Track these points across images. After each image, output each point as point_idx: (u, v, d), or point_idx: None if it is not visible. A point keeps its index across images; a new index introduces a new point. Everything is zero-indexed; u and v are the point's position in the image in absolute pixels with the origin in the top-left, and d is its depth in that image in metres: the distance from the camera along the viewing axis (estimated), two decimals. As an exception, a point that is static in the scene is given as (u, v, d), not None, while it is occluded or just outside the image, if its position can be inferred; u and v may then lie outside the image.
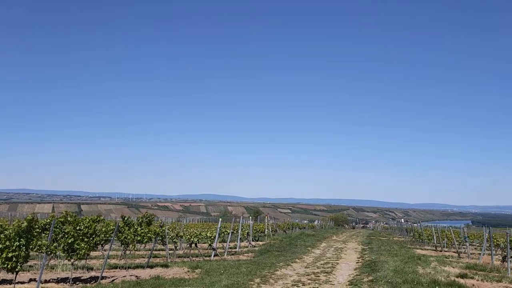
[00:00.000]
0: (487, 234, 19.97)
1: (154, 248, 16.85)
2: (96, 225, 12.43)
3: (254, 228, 28.36)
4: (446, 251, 24.68)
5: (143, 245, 21.86)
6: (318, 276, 13.42)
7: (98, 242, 12.38)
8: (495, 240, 25.68)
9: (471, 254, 22.43)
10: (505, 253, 17.24)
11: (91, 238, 12.06)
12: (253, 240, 24.98)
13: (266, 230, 31.55)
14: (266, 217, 40.28)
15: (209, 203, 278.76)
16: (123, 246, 15.41)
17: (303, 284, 11.96)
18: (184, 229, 23.67)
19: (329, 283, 12.38)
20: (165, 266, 14.94)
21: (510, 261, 15.63)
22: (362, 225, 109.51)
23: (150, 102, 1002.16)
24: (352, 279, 12.99)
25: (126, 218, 14.85)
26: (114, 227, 13.80)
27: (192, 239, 18.41)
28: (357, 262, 17.50)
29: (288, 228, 40.96)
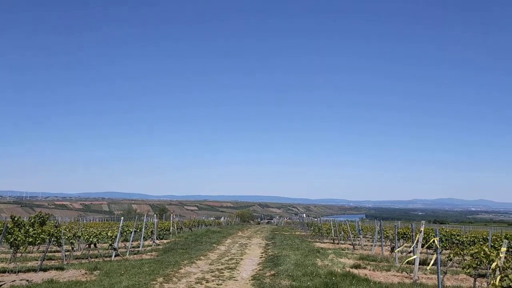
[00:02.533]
0: (378, 227, 21.60)
1: (49, 249, 15.75)
2: (-21, 227, 11.29)
3: (159, 226, 27.76)
4: (342, 244, 26.24)
5: (36, 247, 20.36)
6: (222, 273, 13.51)
7: (-18, 246, 11.27)
8: (385, 232, 27.83)
9: (364, 245, 24.10)
10: (393, 244, 18.75)
11: (-27, 242, 10.94)
12: (157, 239, 24.43)
13: (171, 228, 31.06)
14: (172, 214, 39.65)
15: (112, 201, 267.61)
16: (12, 248, 14.20)
17: (207, 281, 11.96)
18: (83, 229, 22.41)
19: (233, 279, 12.52)
20: (61, 268, 14.03)
21: (397, 250, 17.08)
22: (267, 221, 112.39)
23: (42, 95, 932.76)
24: (255, 274, 13.26)
25: (16, 218, 13.70)
26: (1, 228, 12.65)
27: (91, 239, 17.49)
28: (260, 257, 17.91)
29: (194, 225, 40.76)
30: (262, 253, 19.74)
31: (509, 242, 10.52)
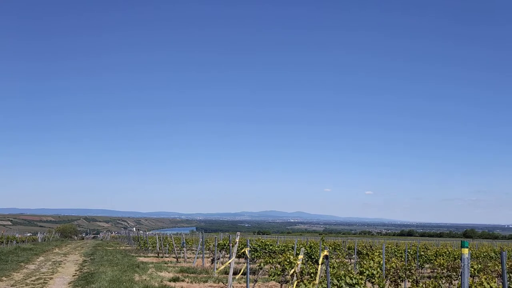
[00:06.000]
0: (201, 239, 22.07)
1: None
2: None
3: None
4: (167, 257, 26.07)
5: None
6: (24, 295, 12.13)
7: None
8: (208, 244, 28.61)
9: (188, 258, 24.35)
10: (214, 255, 19.37)
11: None
12: None
13: (-31, 247, 26.81)
14: (-27, 231, 34.31)
15: None
16: None
17: (3, 306, 10.58)
18: None
19: (36, 301, 11.33)
20: None
21: (217, 262, 17.68)
22: (92, 236, 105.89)
23: None
24: (63, 294, 12.23)
25: None
26: None
27: None
28: (73, 275, 16.62)
29: (1, 242, 36.00)
30: (77, 270, 18.35)
31: (307, 250, 11.77)
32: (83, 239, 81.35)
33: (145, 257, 26.28)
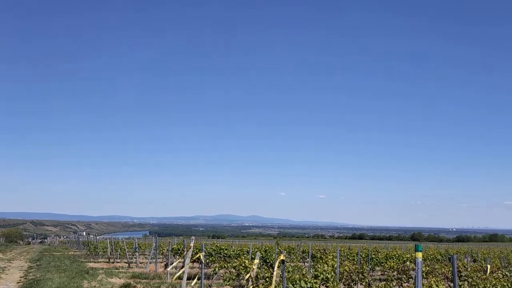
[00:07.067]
0: (154, 243, 21.60)
1: None
2: None
3: None
4: (118, 262, 25.33)
5: None
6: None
7: None
8: (162, 249, 28.11)
9: (140, 263, 23.75)
10: (168, 260, 18.99)
11: None
12: None
13: None
14: None
15: None
16: None
17: None
18: None
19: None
20: None
21: (171, 267, 17.33)
22: (40, 240, 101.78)
23: None
24: (6, 303, 11.57)
25: None
26: None
27: None
28: (18, 282, 15.79)
29: None
30: (22, 277, 17.44)
31: (262, 254, 11.75)
32: (29, 244, 77.78)
33: (95, 262, 25.43)
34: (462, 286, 10.63)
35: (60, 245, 60.93)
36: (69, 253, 36.09)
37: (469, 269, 12.86)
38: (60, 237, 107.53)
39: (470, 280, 11.31)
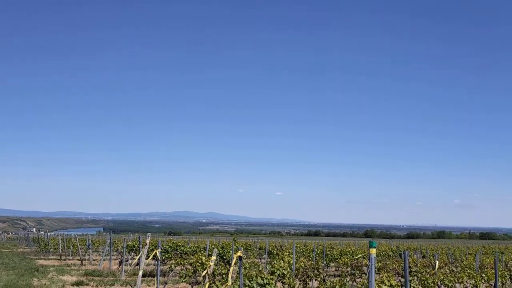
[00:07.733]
0: (109, 240, 21.11)
1: None
2: None
3: None
4: (70, 260, 24.60)
5: None
6: None
7: None
8: (116, 246, 27.53)
9: (93, 260, 23.16)
10: (122, 257, 18.62)
11: None
12: None
13: None
14: None
15: None
16: None
17: None
18: None
19: None
20: None
21: (125, 264, 17.01)
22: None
23: None
24: None
25: None
26: None
27: None
28: (-39, 281, 15.03)
29: None
30: (-34, 276, 16.63)
31: (219, 250, 11.74)
32: (-26, 240, 74.08)
33: (46, 259, 24.59)
34: (412, 281, 11.03)
35: (8, 242, 58.42)
36: (18, 250, 34.72)
37: (418, 265, 13.38)
38: (9, 234, 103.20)
39: (419, 275, 11.76)
